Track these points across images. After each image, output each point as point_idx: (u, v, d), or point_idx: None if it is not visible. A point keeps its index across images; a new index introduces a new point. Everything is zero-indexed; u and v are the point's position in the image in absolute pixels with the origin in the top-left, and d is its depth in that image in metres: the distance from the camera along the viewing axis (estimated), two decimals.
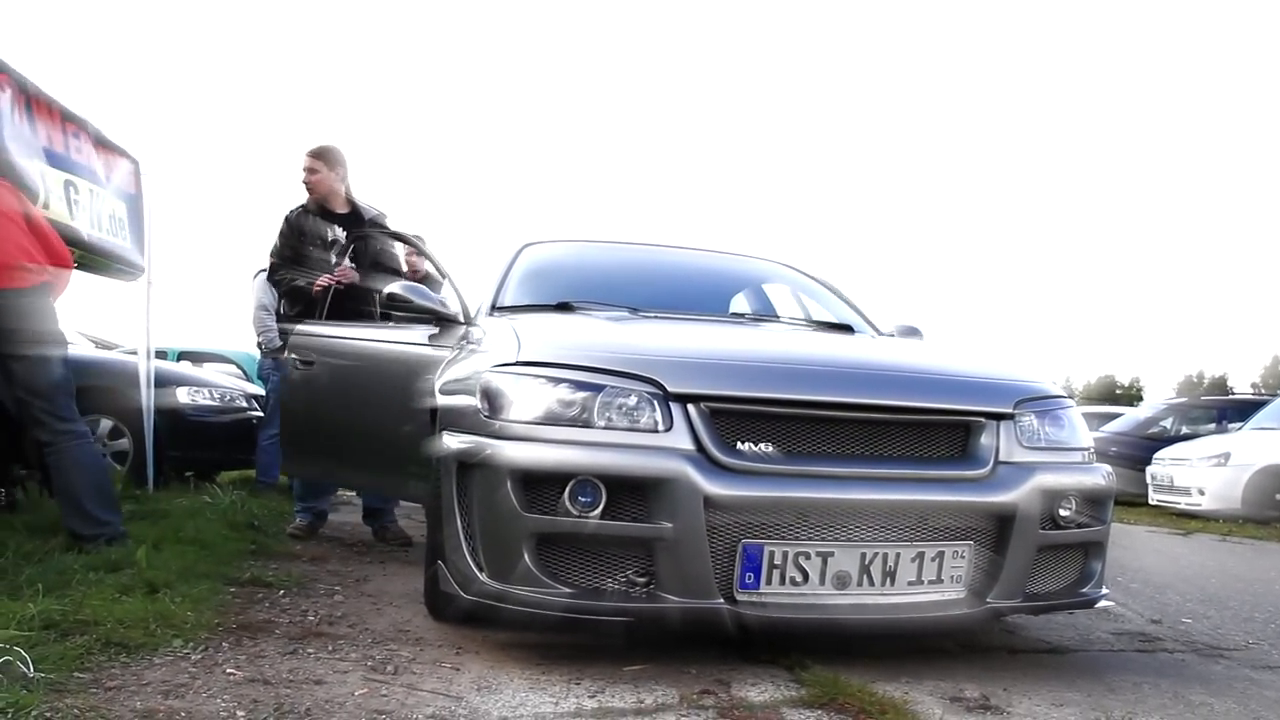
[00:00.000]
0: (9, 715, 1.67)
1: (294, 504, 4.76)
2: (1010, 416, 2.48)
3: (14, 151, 4.29)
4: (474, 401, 2.45)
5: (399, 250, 5.11)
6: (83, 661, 2.08)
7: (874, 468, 2.31)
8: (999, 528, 2.35)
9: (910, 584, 2.28)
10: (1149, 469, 10.88)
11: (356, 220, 4.61)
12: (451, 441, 2.47)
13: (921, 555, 2.29)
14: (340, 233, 4.53)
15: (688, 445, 2.23)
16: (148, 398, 5.89)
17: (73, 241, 4.41)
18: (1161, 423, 13.16)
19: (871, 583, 2.25)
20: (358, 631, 2.63)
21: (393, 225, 4.85)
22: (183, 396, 6.50)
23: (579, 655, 2.34)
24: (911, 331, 4.13)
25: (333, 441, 3.90)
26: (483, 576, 2.30)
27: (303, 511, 4.64)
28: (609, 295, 4.16)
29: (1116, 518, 9.92)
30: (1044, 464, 2.47)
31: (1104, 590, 2.64)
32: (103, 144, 5.26)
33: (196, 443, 6.41)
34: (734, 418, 2.30)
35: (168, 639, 2.33)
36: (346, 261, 4.45)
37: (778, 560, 2.21)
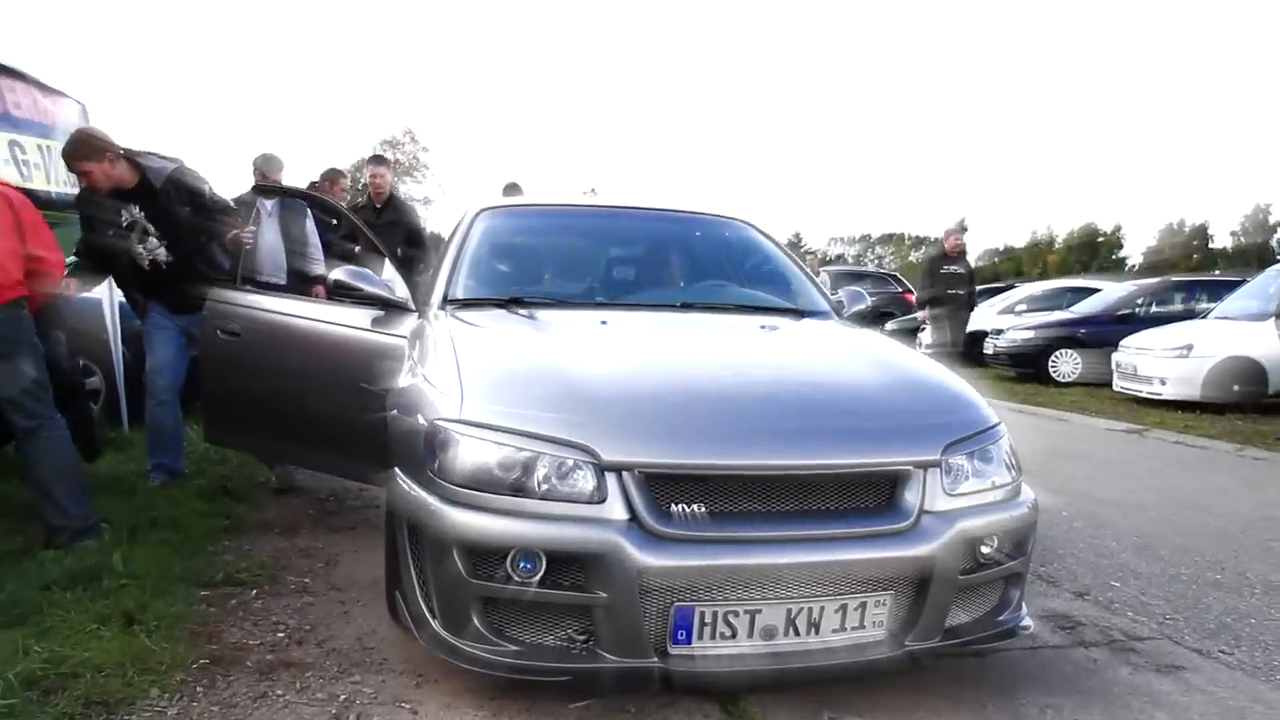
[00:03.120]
0: None
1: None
2: (937, 464, 2.59)
3: None
4: (419, 448, 2.56)
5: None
6: None
7: (800, 527, 2.43)
8: (919, 578, 2.50)
9: (834, 631, 2.46)
10: (1114, 356, 11.14)
11: (148, 188, 4.43)
12: (402, 489, 2.59)
13: (845, 606, 2.45)
14: (137, 211, 4.40)
15: (622, 515, 2.35)
16: (114, 334, 5.94)
17: (42, 203, 4.33)
18: (1134, 304, 13.34)
19: (797, 633, 2.42)
20: (324, 654, 2.82)
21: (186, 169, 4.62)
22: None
23: (531, 690, 2.52)
24: (857, 298, 4.21)
25: (268, 420, 3.97)
26: (435, 624, 2.47)
27: (154, 470, 4.71)
28: (563, 275, 4.21)
29: (1081, 406, 10.32)
30: (966, 510, 2.59)
31: (1023, 616, 2.80)
32: (46, 90, 5.10)
33: None
34: (666, 481, 2.40)
35: (145, 688, 2.50)
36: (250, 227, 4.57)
37: (708, 619, 2.37)
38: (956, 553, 2.52)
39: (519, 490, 2.38)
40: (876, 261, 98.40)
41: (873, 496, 2.55)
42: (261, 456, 4.77)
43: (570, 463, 2.39)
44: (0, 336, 3.50)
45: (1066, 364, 13.08)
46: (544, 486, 2.38)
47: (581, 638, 2.39)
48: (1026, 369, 13.39)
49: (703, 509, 2.41)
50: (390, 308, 3.76)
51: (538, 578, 2.34)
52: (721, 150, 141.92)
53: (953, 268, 10.69)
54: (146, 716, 2.39)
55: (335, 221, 7.80)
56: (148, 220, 4.41)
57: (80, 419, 4.66)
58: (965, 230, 11.30)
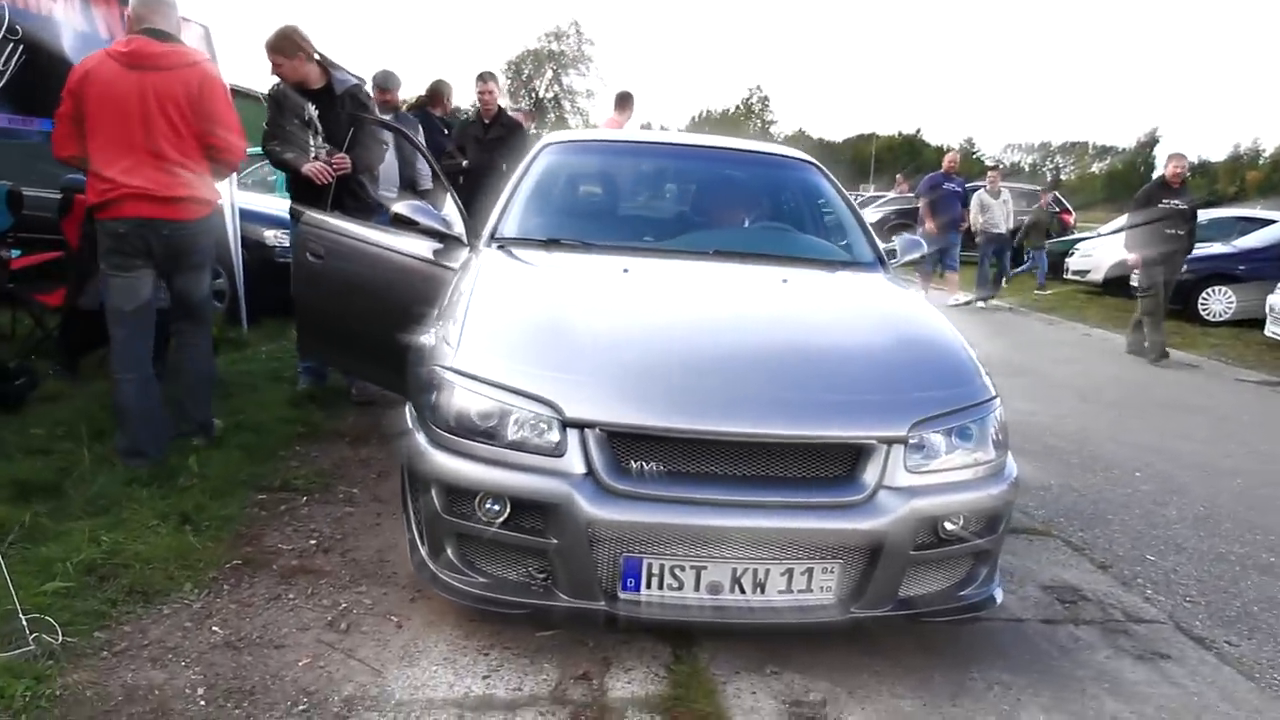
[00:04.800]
0: (28, 696, 2.26)
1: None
2: (902, 440, 2.64)
3: (74, 56, 4.66)
4: (422, 389, 2.81)
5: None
6: (106, 616, 2.68)
7: (753, 494, 2.55)
8: (868, 551, 2.58)
9: (780, 592, 2.59)
10: (1269, 298, 10.30)
11: (330, 94, 4.86)
12: (408, 425, 2.86)
13: (790, 571, 2.57)
14: (313, 110, 4.76)
15: (579, 469, 2.53)
16: (235, 237, 6.47)
17: None
18: None
19: (742, 591, 2.57)
20: (343, 564, 3.18)
21: (368, 83, 5.09)
22: (270, 238, 7.08)
23: (505, 619, 2.77)
24: (912, 247, 4.15)
25: (343, 336, 4.30)
26: (422, 551, 2.76)
27: (304, 371, 5.35)
28: (608, 215, 4.33)
29: (1222, 350, 9.65)
30: (927, 487, 2.63)
31: (991, 590, 2.85)
32: None
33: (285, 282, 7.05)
34: (626, 439, 2.56)
35: (181, 582, 2.92)
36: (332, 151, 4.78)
37: (655, 570, 2.54)
38: (909, 529, 2.58)
39: (492, 438, 2.59)
40: (1055, 171, 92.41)
41: (833, 467, 2.63)
42: (342, 370, 5.18)
43: (538, 417, 2.58)
44: (196, 248, 3.91)
45: (1218, 302, 12.18)
46: (515, 437, 2.58)
47: (541, 576, 2.62)
48: (1174, 305, 12.51)
49: (660, 468, 2.56)
50: (447, 240, 4.00)
51: (502, 519, 2.57)
52: (890, 50, 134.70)
53: (1174, 202, 8.89)
54: (176, 607, 2.80)
55: (446, 131, 8.12)
56: (319, 121, 4.83)
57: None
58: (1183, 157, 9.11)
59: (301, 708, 2.35)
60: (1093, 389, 7.37)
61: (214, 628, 2.71)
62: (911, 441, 2.65)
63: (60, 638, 2.50)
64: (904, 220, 22.03)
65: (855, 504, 2.58)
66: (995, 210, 12.74)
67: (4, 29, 4.40)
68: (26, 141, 5.05)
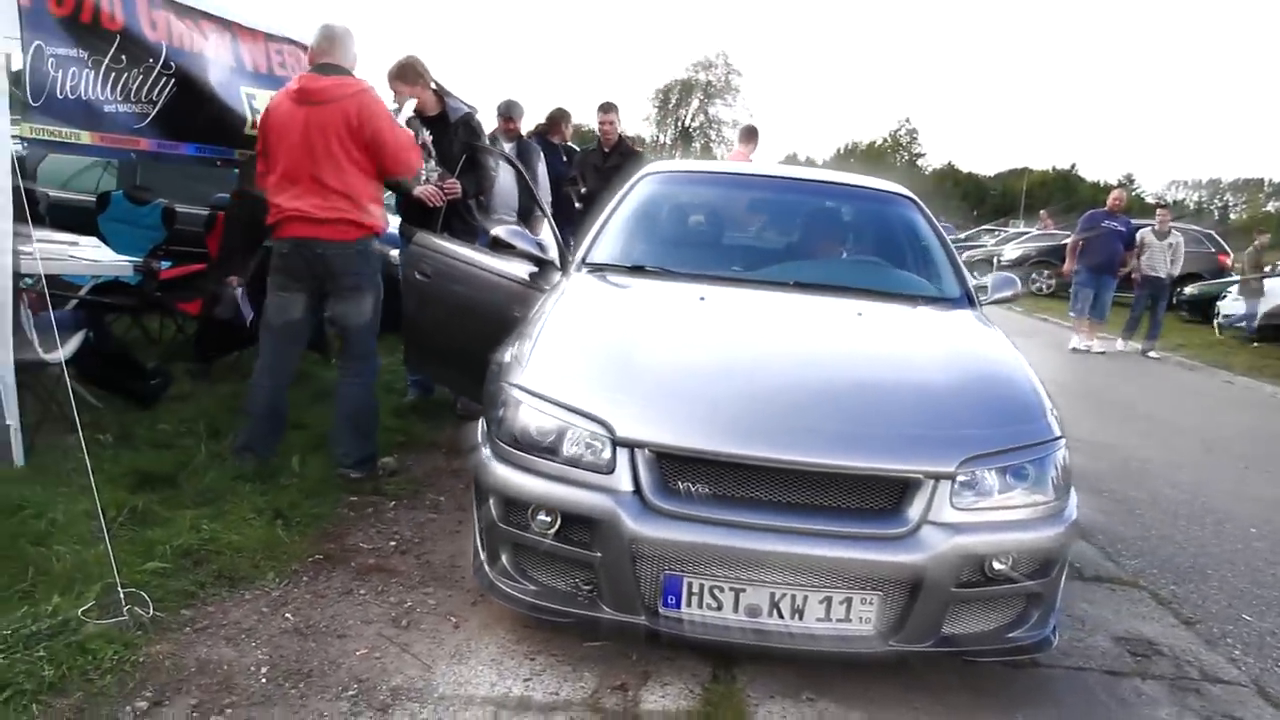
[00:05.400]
0: (115, 659, 2.51)
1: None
2: (950, 476, 2.62)
3: (220, 88, 5.13)
4: (492, 404, 2.98)
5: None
6: (194, 596, 2.94)
7: (794, 520, 2.58)
8: (909, 584, 2.57)
9: (819, 620, 2.61)
10: None
11: (444, 121, 5.12)
12: (479, 438, 3.02)
13: (829, 599, 2.59)
14: (428, 135, 5.02)
15: (626, 487, 2.63)
16: None
17: None
18: None
19: (780, 615, 2.60)
20: (417, 566, 3.36)
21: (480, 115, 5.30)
22: (395, 257, 7.46)
23: (556, 627, 2.88)
24: (1005, 284, 4.08)
25: (446, 352, 4.51)
26: (481, 557, 2.91)
27: (412, 384, 5.60)
28: (694, 245, 4.44)
29: None
30: (975, 524, 2.61)
31: (1049, 633, 2.78)
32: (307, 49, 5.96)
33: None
34: (674, 460, 2.65)
35: (265, 572, 3.16)
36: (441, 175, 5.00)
37: (695, 589, 2.61)
38: (952, 565, 2.57)
39: (551, 454, 2.72)
40: (1221, 209, 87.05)
41: (878, 499, 2.64)
42: (447, 386, 5.44)
43: (593, 435, 2.69)
44: (350, 270, 4.05)
45: None
46: (570, 453, 2.71)
47: (587, 588, 2.72)
48: None
49: (706, 490, 2.63)
50: (541, 264, 4.19)
51: (553, 531, 2.69)
52: (1048, 81, 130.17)
53: None
54: (257, 593, 3.04)
55: (567, 159, 8.42)
56: (433, 146, 5.13)
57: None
58: None
59: (351, 693, 2.52)
60: (1221, 440, 6.96)
61: (287, 614, 2.92)
62: (961, 478, 2.63)
63: (151, 612, 2.76)
64: (1046, 259, 21.26)
65: (896, 537, 2.58)
66: (1157, 252, 11.41)
67: (160, 64, 4.87)
68: (176, 165, 5.54)
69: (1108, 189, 12.20)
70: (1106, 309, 11.59)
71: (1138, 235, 11.53)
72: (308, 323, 4.23)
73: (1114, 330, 12.19)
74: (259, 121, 4.09)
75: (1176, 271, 11.73)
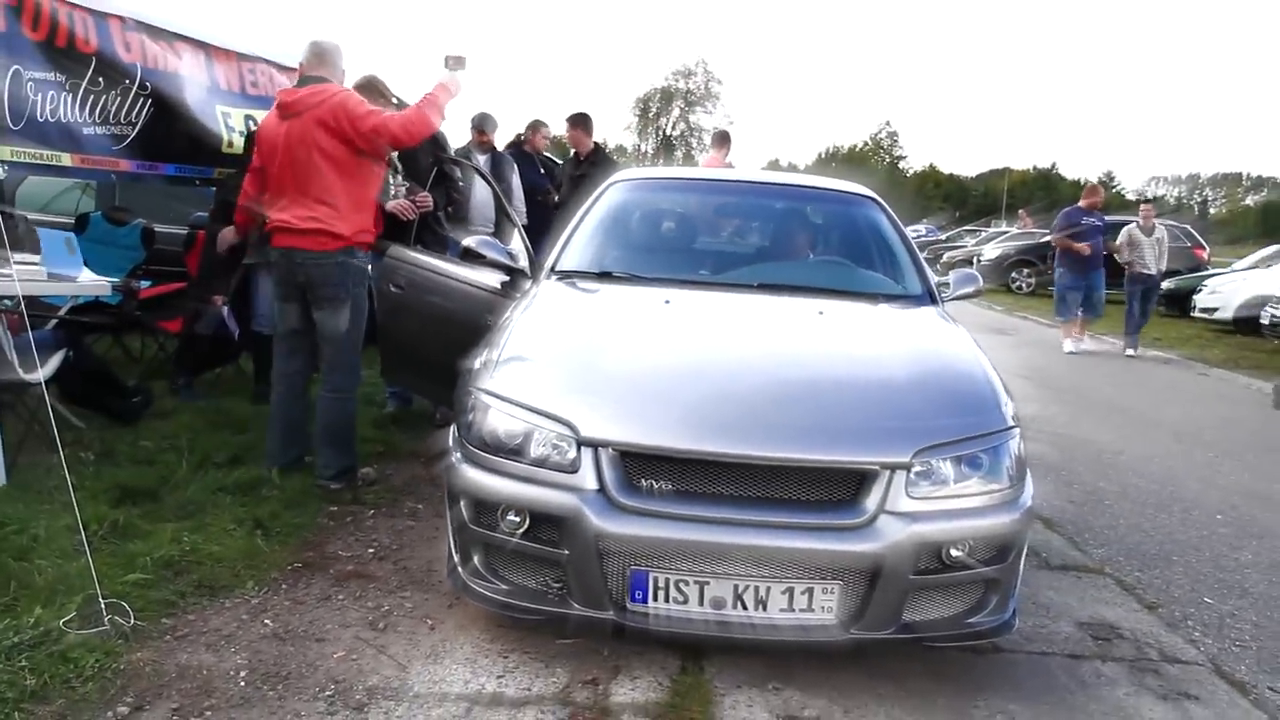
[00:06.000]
0: (97, 667, 2.58)
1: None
2: (905, 466, 2.71)
3: (197, 108, 5.21)
4: (462, 409, 3.05)
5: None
6: (175, 606, 3.00)
7: (756, 513, 2.66)
8: (868, 573, 2.66)
9: (782, 611, 2.68)
10: None
11: None
12: (449, 443, 3.10)
13: (791, 590, 2.66)
14: (393, 151, 4.95)
15: (591, 485, 2.70)
16: None
17: None
18: None
19: (745, 607, 2.68)
20: (394, 572, 3.43)
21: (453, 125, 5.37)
22: (372, 271, 7.54)
23: (530, 626, 2.95)
24: (966, 281, 4.18)
25: (421, 362, 4.59)
26: (454, 559, 2.98)
27: (391, 395, 5.69)
28: (661, 250, 4.53)
29: None
30: (930, 513, 2.70)
31: (1008, 618, 2.86)
32: (282, 68, 6.05)
33: None
34: (637, 458, 2.73)
35: (244, 581, 3.22)
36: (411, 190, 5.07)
37: (660, 583, 2.68)
38: (909, 553, 2.65)
39: (519, 455, 2.80)
40: (1201, 204, 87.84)
41: (836, 491, 2.72)
42: (424, 395, 5.51)
43: (559, 436, 2.77)
44: (328, 280, 4.09)
45: None
46: (537, 454, 2.78)
47: (556, 585, 2.80)
48: None
49: (669, 486, 2.71)
50: (512, 273, 4.27)
51: (521, 531, 2.77)
52: (1026, 82, 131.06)
53: None
54: (237, 601, 3.10)
55: (543, 171, 8.52)
56: (399, 160, 5.17)
57: None
58: None
59: (328, 693, 2.59)
60: (1192, 430, 7.07)
61: (266, 621, 2.99)
62: (916, 469, 2.72)
63: (132, 621, 2.82)
64: (1026, 258, 21.41)
65: (855, 527, 2.66)
66: (1146, 249, 11.34)
67: (136, 85, 4.94)
68: (154, 185, 5.61)
69: (1088, 186, 12.10)
70: (1101, 305, 11.48)
71: (1123, 231, 11.53)
72: (308, 331, 4.29)
73: (1105, 328, 12.25)
74: (254, 140, 4.17)
75: (1164, 267, 11.69)
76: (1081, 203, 11.48)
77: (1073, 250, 11.02)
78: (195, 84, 5.32)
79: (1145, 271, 11.37)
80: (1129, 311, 11.63)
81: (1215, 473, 5.82)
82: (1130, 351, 11.45)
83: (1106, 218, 11.77)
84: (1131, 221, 11.80)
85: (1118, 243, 11.50)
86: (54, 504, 3.44)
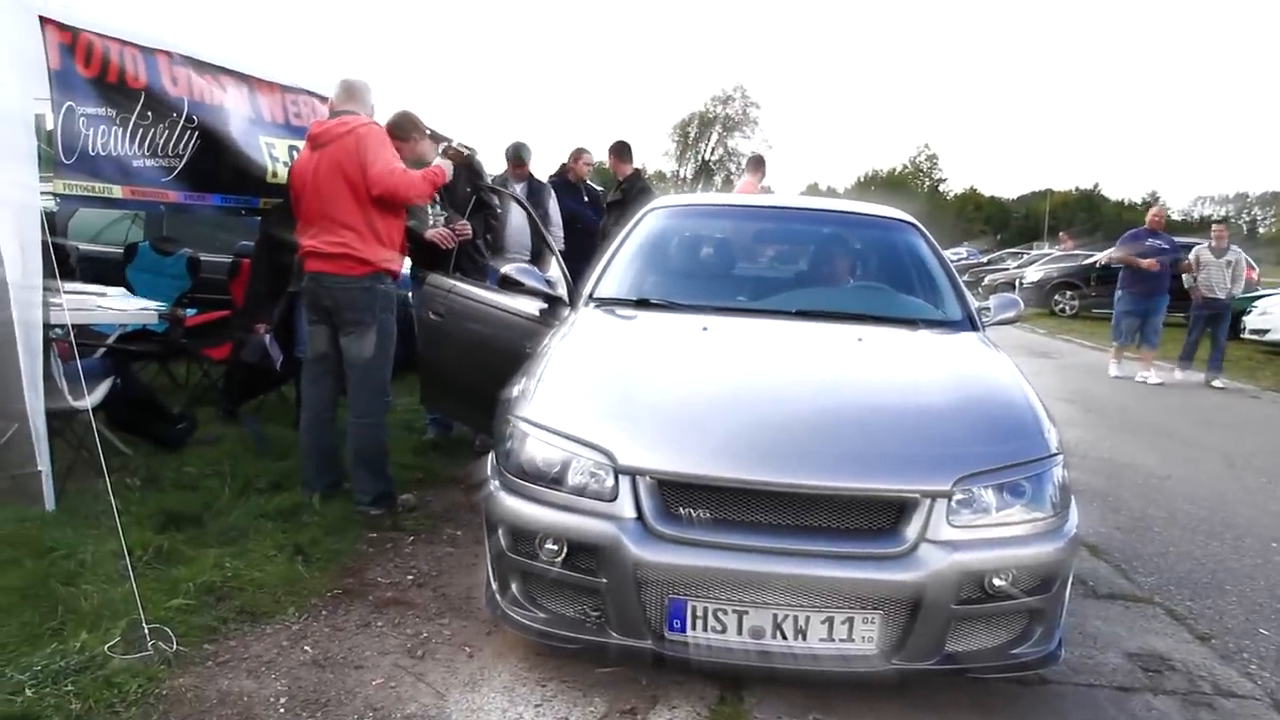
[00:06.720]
0: (140, 693, 2.60)
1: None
2: (946, 494, 2.67)
3: (242, 139, 5.32)
4: (500, 437, 3.06)
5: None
6: (216, 631, 3.03)
7: (795, 542, 2.64)
8: (909, 603, 2.61)
9: (821, 640, 2.65)
10: None
11: None
12: (487, 471, 3.11)
13: (831, 619, 2.63)
14: None
15: (629, 514, 2.69)
16: None
17: None
18: None
19: (784, 637, 2.65)
20: (433, 599, 3.44)
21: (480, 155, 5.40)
22: (412, 298, 7.62)
23: (568, 655, 2.94)
24: (1008, 306, 4.12)
25: (460, 389, 4.62)
26: (493, 587, 2.98)
27: (431, 422, 5.75)
28: (698, 276, 4.53)
29: None
30: (972, 541, 2.65)
31: (1054, 649, 2.80)
32: (324, 99, 6.15)
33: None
34: (675, 487, 2.71)
35: (285, 607, 3.25)
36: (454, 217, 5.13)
37: (699, 612, 2.66)
38: (951, 582, 2.60)
39: (557, 484, 2.80)
40: (1249, 223, 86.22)
41: (876, 520, 2.69)
42: (462, 421, 5.54)
43: (597, 464, 2.77)
44: (354, 305, 4.16)
45: None
46: (575, 483, 2.78)
47: (595, 614, 2.78)
48: None
49: (708, 515, 2.70)
50: (550, 301, 4.30)
51: (560, 560, 2.76)
52: (1068, 102, 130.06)
53: None
54: (277, 628, 3.13)
55: (586, 199, 8.58)
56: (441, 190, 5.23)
57: None
58: None
59: None
60: (1243, 455, 6.90)
61: (306, 647, 3.01)
62: (957, 497, 2.68)
63: (175, 646, 2.86)
64: (1069, 280, 21.11)
65: (895, 556, 2.62)
66: (1215, 271, 10.54)
67: (183, 119, 5.06)
68: (202, 215, 5.72)
69: (1132, 207, 11.78)
70: (1158, 334, 10.79)
71: (1192, 252, 10.84)
72: (336, 356, 4.34)
73: (1165, 357, 11.50)
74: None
75: (1239, 291, 10.89)
76: (1146, 222, 11.06)
77: (1136, 266, 10.49)
78: (240, 116, 5.42)
79: (1213, 296, 10.61)
80: (1189, 336, 11.05)
81: (1269, 499, 5.67)
82: (1179, 375, 10.97)
83: (1176, 239, 11.18)
84: (1202, 243, 11.07)
85: (1188, 259, 10.83)
86: (100, 529, 3.50)
